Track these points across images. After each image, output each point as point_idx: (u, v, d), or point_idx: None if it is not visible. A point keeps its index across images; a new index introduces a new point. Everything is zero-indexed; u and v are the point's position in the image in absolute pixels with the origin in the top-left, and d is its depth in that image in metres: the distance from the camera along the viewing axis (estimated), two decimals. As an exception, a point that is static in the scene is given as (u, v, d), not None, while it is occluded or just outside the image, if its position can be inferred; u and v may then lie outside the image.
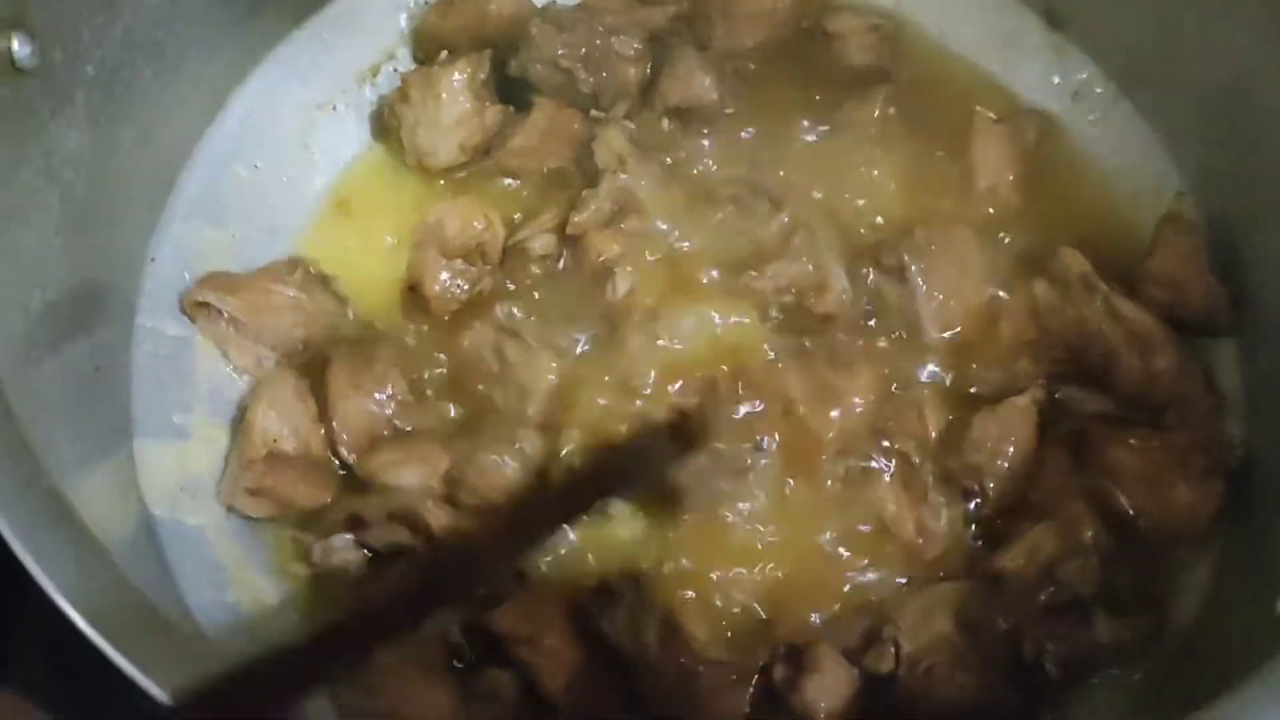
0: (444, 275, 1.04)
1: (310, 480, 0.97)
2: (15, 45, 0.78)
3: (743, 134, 1.11)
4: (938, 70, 1.18)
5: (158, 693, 0.64)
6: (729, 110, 1.12)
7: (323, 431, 1.00)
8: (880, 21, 1.17)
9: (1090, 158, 1.13)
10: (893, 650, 0.89)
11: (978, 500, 0.97)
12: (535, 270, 1.06)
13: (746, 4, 1.15)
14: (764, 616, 0.95)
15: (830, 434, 0.99)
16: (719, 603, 0.95)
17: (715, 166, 1.09)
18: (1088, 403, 1.01)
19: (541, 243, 1.05)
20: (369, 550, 0.95)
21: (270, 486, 0.96)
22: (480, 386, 1.02)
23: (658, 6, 1.12)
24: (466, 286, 1.04)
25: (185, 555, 0.93)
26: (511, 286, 1.06)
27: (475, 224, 1.05)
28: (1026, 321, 1.04)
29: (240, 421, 1.00)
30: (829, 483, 0.98)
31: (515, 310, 1.04)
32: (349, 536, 0.95)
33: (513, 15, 1.12)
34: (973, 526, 0.97)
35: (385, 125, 1.11)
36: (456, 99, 1.07)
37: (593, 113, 1.10)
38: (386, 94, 1.13)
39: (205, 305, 1.01)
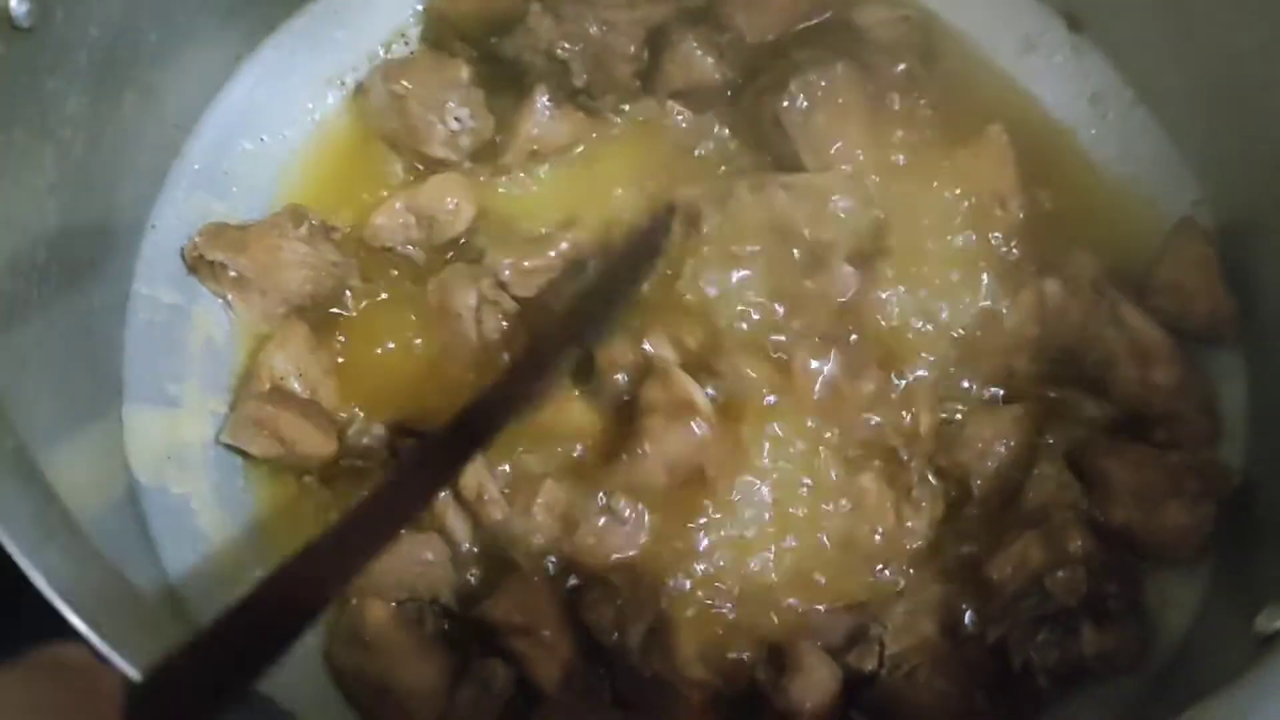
0: (394, 220, 1.04)
1: (315, 424, 0.97)
2: (13, 3, 0.78)
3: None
4: (960, 67, 1.16)
5: (128, 669, 0.63)
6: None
7: (334, 385, 1.01)
8: (911, 13, 1.15)
9: (1107, 162, 1.11)
10: (877, 649, 0.88)
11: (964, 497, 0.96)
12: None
13: (766, -7, 1.13)
14: (744, 616, 0.93)
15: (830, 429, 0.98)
16: (706, 599, 0.94)
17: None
18: (1084, 407, 1.00)
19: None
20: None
21: (273, 418, 0.96)
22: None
23: (659, 3, 1.10)
24: (400, 241, 1.05)
25: (169, 525, 0.94)
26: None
27: (448, 200, 1.05)
28: (1031, 318, 1.02)
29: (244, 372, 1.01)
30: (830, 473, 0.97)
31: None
32: (384, 431, 0.98)
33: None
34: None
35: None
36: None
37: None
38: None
39: (211, 262, 1.00)
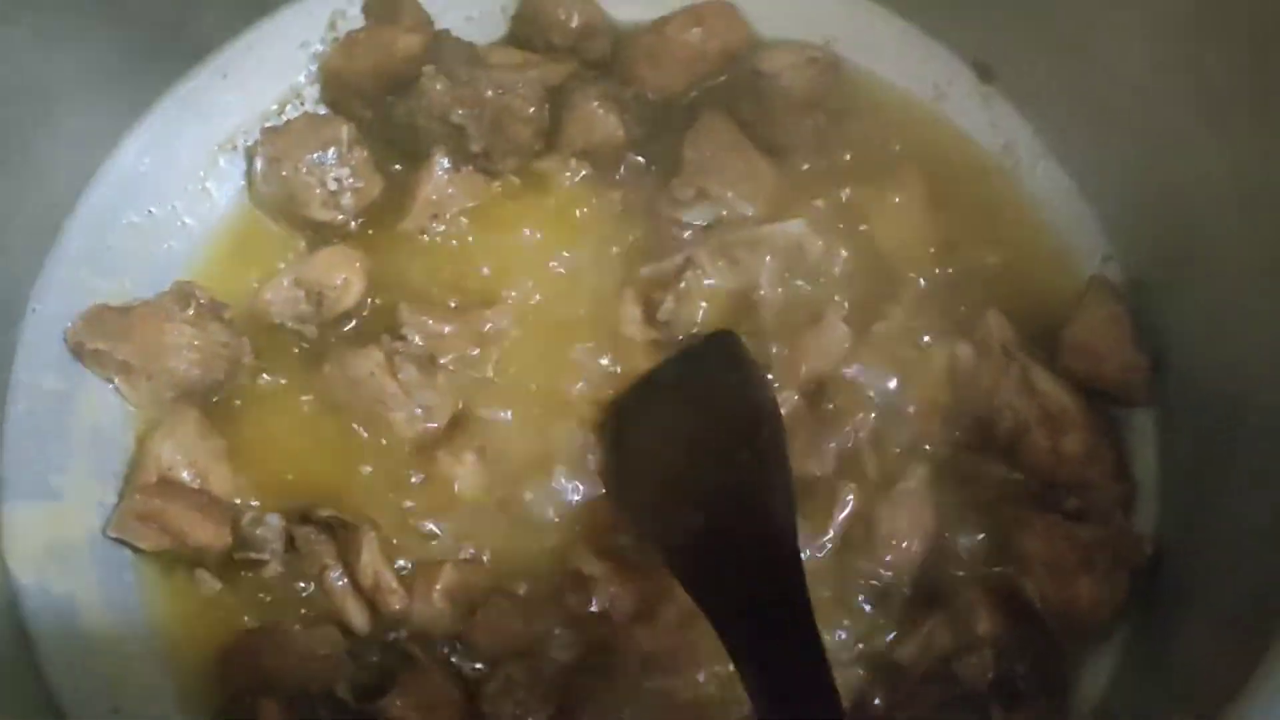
0: (282, 296, 1.01)
1: (207, 515, 0.94)
2: None
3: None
4: (871, 114, 1.13)
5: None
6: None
7: (226, 472, 0.98)
8: (818, 54, 1.12)
9: (1018, 214, 1.09)
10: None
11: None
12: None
13: (673, 48, 1.10)
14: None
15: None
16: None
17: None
18: (994, 473, 0.98)
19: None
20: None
21: (161, 511, 0.94)
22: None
23: (558, 63, 1.08)
24: (290, 317, 1.02)
25: (50, 626, 0.90)
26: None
27: (336, 274, 1.02)
28: (943, 383, 1.01)
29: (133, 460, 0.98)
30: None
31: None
32: (280, 522, 0.95)
33: (420, 55, 1.08)
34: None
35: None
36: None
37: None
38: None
39: (94, 348, 0.97)
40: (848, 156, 1.10)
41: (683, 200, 1.06)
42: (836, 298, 1.03)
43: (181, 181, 1.07)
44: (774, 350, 1.01)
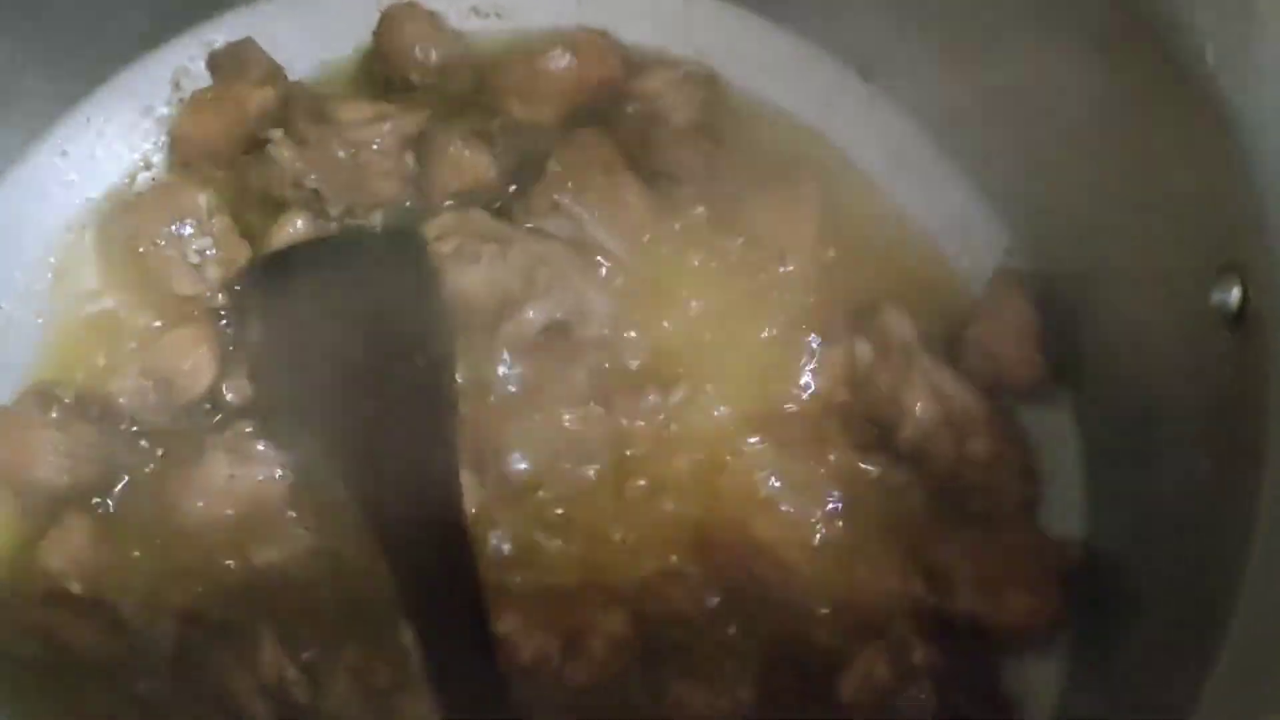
0: (130, 387, 0.94)
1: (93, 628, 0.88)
2: None
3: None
4: (752, 126, 1.09)
5: None
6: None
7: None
8: (693, 68, 1.08)
9: (915, 214, 1.06)
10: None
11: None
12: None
13: (546, 81, 1.05)
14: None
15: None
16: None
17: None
18: (897, 478, 0.94)
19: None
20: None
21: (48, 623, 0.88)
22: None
23: (414, 109, 1.02)
24: (142, 410, 0.95)
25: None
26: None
27: (183, 360, 0.95)
28: (841, 381, 0.97)
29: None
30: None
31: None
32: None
33: (274, 111, 1.01)
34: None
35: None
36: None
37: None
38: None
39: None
40: (734, 184, 1.05)
41: (537, 210, 1.00)
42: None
43: (27, 272, 1.00)
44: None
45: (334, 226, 1.00)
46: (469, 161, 1.01)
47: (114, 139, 1.04)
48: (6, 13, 0.94)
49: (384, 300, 0.96)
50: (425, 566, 0.85)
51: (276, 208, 1.01)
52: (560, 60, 1.06)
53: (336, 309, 0.94)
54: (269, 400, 0.94)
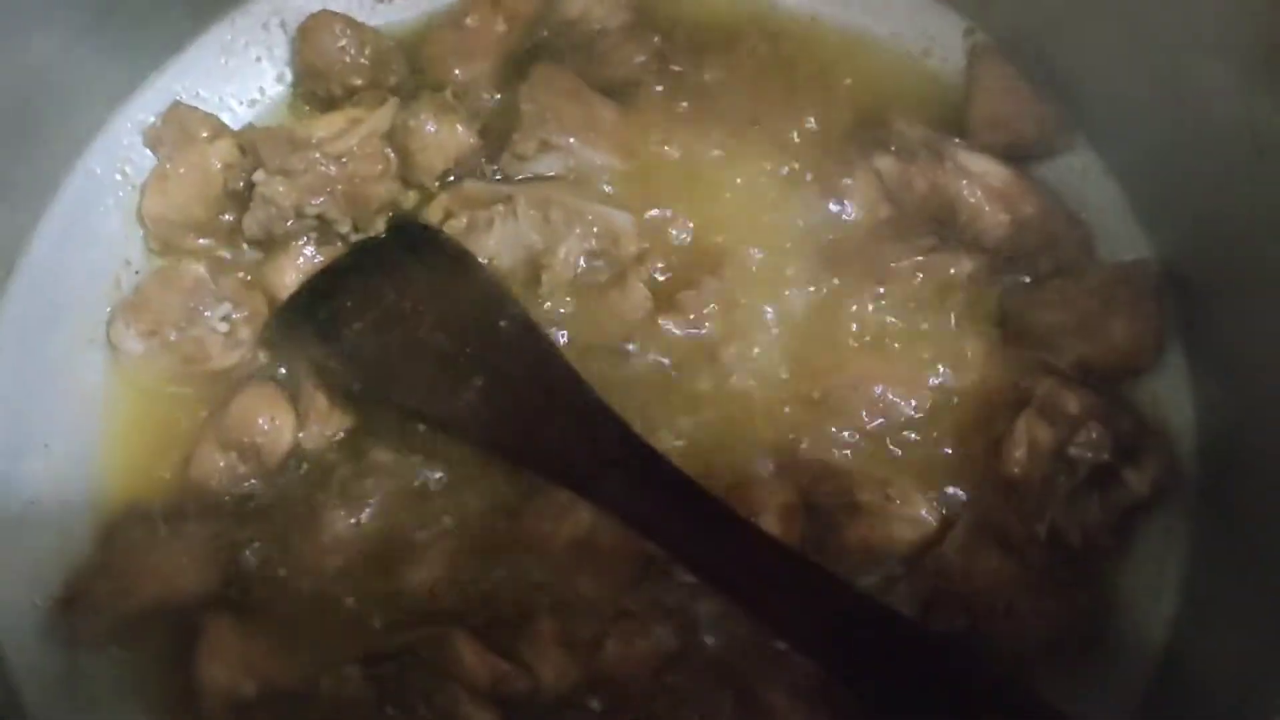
0: (214, 465, 0.92)
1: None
2: None
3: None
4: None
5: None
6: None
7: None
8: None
9: (870, 27, 1.08)
10: (961, 607, 0.84)
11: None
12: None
13: (473, 37, 1.05)
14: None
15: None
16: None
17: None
18: (963, 266, 0.97)
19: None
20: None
21: None
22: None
23: (375, 105, 1.00)
24: (232, 485, 0.93)
25: None
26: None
27: (259, 419, 0.93)
28: (876, 200, 0.99)
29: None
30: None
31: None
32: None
33: (239, 159, 0.99)
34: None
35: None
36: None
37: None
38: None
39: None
40: (689, 63, 1.06)
41: (526, 155, 1.00)
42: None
43: (61, 405, 0.96)
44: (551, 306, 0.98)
45: (339, 245, 0.99)
46: (445, 137, 1.00)
47: (83, 262, 1.00)
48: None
49: (430, 292, 0.95)
50: (605, 453, 0.89)
51: (277, 247, 0.98)
52: (483, 11, 1.05)
53: (393, 313, 0.93)
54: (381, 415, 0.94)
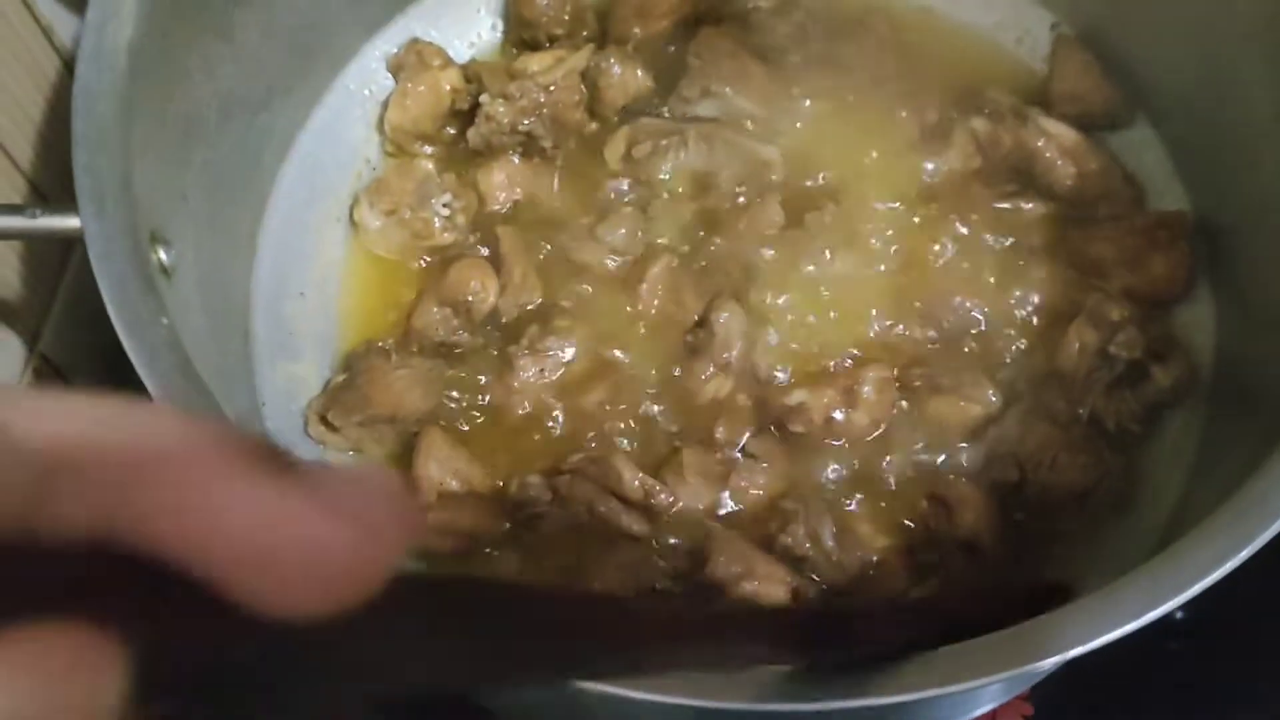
0: (432, 318, 1.15)
1: (487, 510, 1.09)
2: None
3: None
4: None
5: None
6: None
7: (480, 470, 1.12)
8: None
9: (973, 23, 1.33)
10: (1015, 464, 1.07)
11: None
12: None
13: (650, 4, 1.30)
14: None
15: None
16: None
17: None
18: (1037, 208, 1.20)
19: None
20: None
21: (452, 522, 1.08)
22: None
23: (576, 50, 1.26)
24: (445, 335, 1.16)
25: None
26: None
27: (471, 283, 1.16)
28: (971, 153, 1.22)
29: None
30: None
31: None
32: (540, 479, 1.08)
33: (464, 86, 1.25)
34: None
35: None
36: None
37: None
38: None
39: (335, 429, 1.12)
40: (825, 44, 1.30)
41: (690, 99, 1.25)
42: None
43: (313, 262, 1.23)
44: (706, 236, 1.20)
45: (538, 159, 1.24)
46: (628, 78, 1.25)
47: (338, 153, 1.27)
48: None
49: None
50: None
51: (491, 155, 1.24)
52: (664, -18, 1.31)
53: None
54: None
